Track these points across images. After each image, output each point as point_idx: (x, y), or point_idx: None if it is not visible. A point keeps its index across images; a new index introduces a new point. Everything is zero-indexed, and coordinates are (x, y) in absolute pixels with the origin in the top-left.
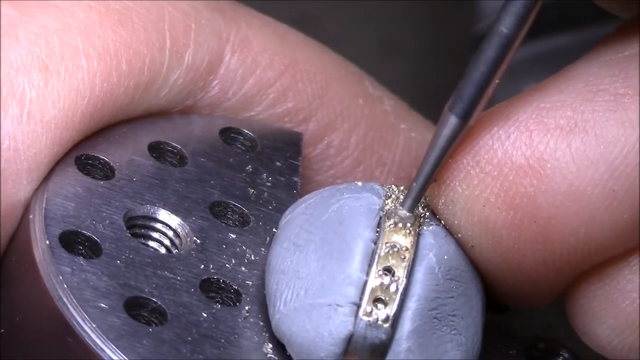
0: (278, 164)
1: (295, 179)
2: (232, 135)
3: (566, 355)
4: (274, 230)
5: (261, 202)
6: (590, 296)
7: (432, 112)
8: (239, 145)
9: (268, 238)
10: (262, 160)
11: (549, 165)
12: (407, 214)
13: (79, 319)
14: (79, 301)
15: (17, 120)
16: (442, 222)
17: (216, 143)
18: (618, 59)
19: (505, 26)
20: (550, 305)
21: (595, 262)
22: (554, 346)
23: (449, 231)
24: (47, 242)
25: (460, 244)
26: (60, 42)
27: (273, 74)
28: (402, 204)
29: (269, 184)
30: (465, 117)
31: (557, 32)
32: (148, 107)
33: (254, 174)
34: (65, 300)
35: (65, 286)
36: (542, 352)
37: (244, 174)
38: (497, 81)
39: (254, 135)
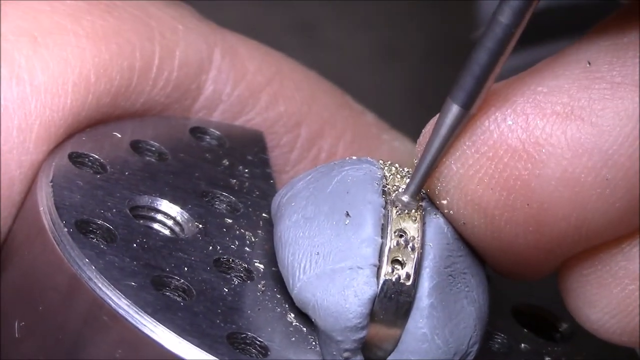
0: (249, 157)
1: (269, 170)
2: (199, 135)
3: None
4: (263, 215)
5: (245, 191)
6: (582, 280)
7: (430, 117)
8: (207, 143)
9: (261, 222)
10: (235, 155)
11: (544, 150)
12: (410, 199)
13: (113, 297)
14: (110, 281)
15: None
16: (434, 198)
17: (189, 141)
18: (616, 45)
19: (504, 16)
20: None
21: (587, 247)
22: (541, 312)
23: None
24: (65, 229)
25: (451, 221)
26: (49, 19)
27: (263, 79)
28: (405, 190)
29: (247, 175)
30: (466, 105)
31: (555, 39)
32: (147, 99)
33: (232, 166)
34: (95, 281)
35: (94, 268)
36: (529, 317)
37: (222, 167)
38: (498, 70)
39: (220, 133)
